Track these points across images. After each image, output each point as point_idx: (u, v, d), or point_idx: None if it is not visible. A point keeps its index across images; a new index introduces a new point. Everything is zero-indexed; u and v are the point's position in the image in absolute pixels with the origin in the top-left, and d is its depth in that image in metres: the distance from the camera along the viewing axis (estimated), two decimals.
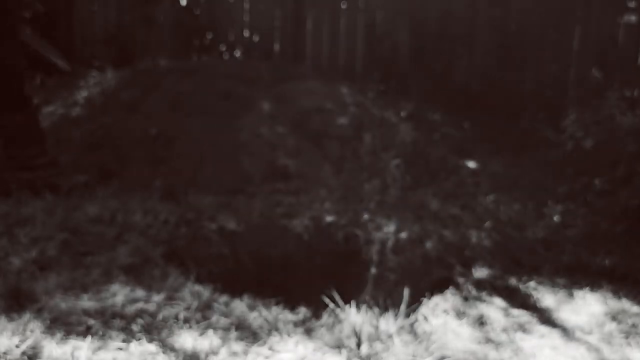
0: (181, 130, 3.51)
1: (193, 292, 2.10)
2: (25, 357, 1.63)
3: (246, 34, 5.63)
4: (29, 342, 1.68)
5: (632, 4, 4.61)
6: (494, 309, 2.16)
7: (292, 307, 2.17)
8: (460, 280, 2.41)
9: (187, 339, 1.77)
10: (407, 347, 1.84)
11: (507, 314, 2.13)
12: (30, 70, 3.22)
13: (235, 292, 2.24)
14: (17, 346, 1.66)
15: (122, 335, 1.77)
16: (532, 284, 2.38)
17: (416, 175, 3.61)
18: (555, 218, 3.18)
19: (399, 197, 3.28)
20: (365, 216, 2.97)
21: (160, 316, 1.89)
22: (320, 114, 4.06)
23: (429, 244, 2.74)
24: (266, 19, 5.54)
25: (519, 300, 2.26)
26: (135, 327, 1.81)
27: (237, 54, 5.50)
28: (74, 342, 1.71)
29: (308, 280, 2.86)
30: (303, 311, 2.12)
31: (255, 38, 5.60)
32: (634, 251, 2.76)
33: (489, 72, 5.06)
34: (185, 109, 4.03)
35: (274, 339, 1.85)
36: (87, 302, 1.96)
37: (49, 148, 3.23)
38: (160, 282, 2.18)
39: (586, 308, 2.21)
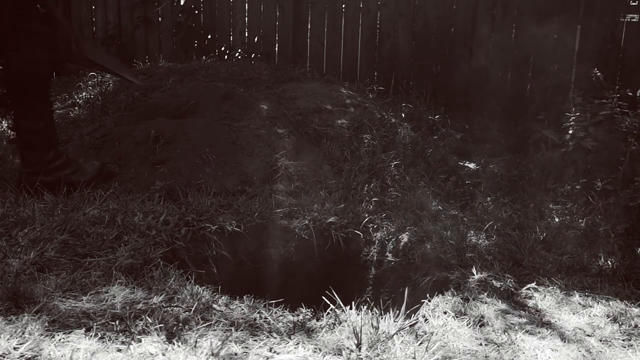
0: (181, 130, 3.50)
1: (193, 293, 2.10)
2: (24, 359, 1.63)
3: (246, 34, 5.63)
4: (28, 344, 1.67)
5: (634, 3, 4.60)
6: (494, 309, 2.16)
7: (292, 308, 2.17)
8: (461, 281, 2.40)
9: (187, 341, 1.77)
10: (407, 347, 1.83)
11: (507, 315, 2.13)
12: None
13: (235, 293, 2.24)
14: (15, 348, 1.65)
15: (121, 337, 1.77)
16: (532, 284, 2.37)
17: (416, 176, 3.61)
18: (556, 218, 3.18)
19: (399, 198, 3.28)
20: (366, 217, 2.97)
21: (160, 318, 1.88)
22: (320, 114, 4.06)
23: (429, 245, 2.73)
24: (266, 20, 5.54)
25: (520, 301, 2.26)
26: (135, 329, 1.81)
27: (237, 54, 5.50)
28: (73, 344, 1.70)
29: (308, 280, 2.86)
30: (303, 312, 2.11)
31: (255, 39, 5.60)
32: (635, 252, 2.75)
33: (489, 72, 5.07)
34: (185, 110, 4.03)
35: (274, 340, 1.84)
36: (86, 303, 1.95)
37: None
38: (160, 283, 2.18)
39: (587, 309, 2.21)
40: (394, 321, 1.95)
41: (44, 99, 3.05)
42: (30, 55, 2.92)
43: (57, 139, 3.17)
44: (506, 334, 1.99)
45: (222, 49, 5.62)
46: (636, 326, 2.09)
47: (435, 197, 3.37)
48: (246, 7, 5.60)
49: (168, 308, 1.97)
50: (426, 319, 2.09)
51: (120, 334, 1.78)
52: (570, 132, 3.68)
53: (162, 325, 1.83)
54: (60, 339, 1.73)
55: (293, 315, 2.07)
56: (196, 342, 1.77)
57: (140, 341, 1.75)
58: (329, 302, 2.05)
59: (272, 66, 5.09)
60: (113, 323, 1.83)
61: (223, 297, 2.13)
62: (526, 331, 2.01)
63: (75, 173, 3.08)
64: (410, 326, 1.97)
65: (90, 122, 4.10)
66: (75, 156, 3.33)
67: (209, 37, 5.68)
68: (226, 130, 3.57)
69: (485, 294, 2.27)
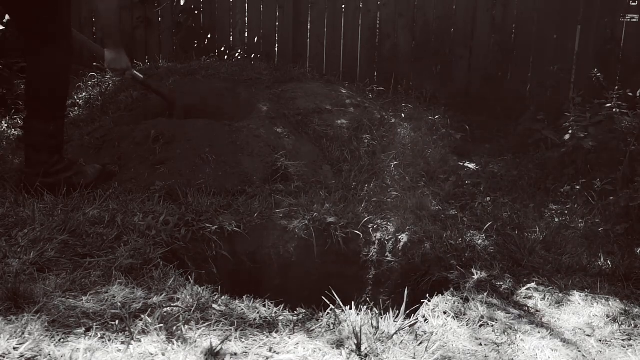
0: (181, 130, 3.51)
1: (193, 293, 2.10)
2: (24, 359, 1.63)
3: (246, 34, 5.63)
4: (28, 344, 1.67)
5: (634, 3, 4.60)
6: (494, 310, 2.16)
7: (291, 307, 2.17)
8: (460, 281, 2.41)
9: (186, 341, 1.77)
10: (407, 347, 1.83)
11: (507, 315, 2.13)
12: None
13: (235, 293, 2.24)
14: (15, 348, 1.65)
15: (121, 337, 1.77)
16: (532, 284, 2.37)
17: (416, 176, 3.61)
18: (556, 218, 3.18)
19: (398, 198, 3.28)
20: (365, 217, 2.97)
21: (160, 317, 1.88)
22: (320, 114, 4.06)
23: (428, 245, 2.73)
24: (266, 20, 5.54)
25: (519, 301, 2.26)
26: (134, 329, 1.81)
27: (237, 54, 5.50)
28: (73, 344, 1.71)
29: (308, 280, 2.86)
30: (303, 312, 2.11)
31: (255, 39, 5.60)
32: (635, 252, 2.75)
33: (489, 72, 5.07)
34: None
35: (274, 340, 1.84)
36: (86, 303, 1.95)
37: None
38: (160, 283, 2.18)
39: (587, 309, 2.21)
40: (394, 321, 1.96)
41: (62, 103, 3.06)
42: (52, 58, 2.93)
43: (64, 144, 3.17)
44: (506, 334, 1.99)
45: (222, 49, 5.62)
46: (636, 326, 2.10)
47: (435, 197, 3.37)
48: (246, 7, 5.60)
49: (168, 308, 1.97)
50: (426, 319, 2.09)
51: (120, 334, 1.78)
52: (570, 132, 3.69)
53: (161, 325, 1.84)
54: (60, 339, 1.73)
55: (293, 315, 2.08)
56: (196, 342, 1.77)
57: (140, 341, 1.75)
58: (328, 302, 2.06)
59: (272, 66, 5.09)
60: (113, 323, 1.83)
61: (223, 297, 2.13)
62: (526, 331, 2.02)
63: (77, 176, 3.08)
64: (410, 326, 1.97)
65: (90, 122, 4.10)
66: (75, 156, 3.34)
67: (209, 37, 5.68)
68: (226, 130, 3.57)
69: (485, 294, 2.27)
